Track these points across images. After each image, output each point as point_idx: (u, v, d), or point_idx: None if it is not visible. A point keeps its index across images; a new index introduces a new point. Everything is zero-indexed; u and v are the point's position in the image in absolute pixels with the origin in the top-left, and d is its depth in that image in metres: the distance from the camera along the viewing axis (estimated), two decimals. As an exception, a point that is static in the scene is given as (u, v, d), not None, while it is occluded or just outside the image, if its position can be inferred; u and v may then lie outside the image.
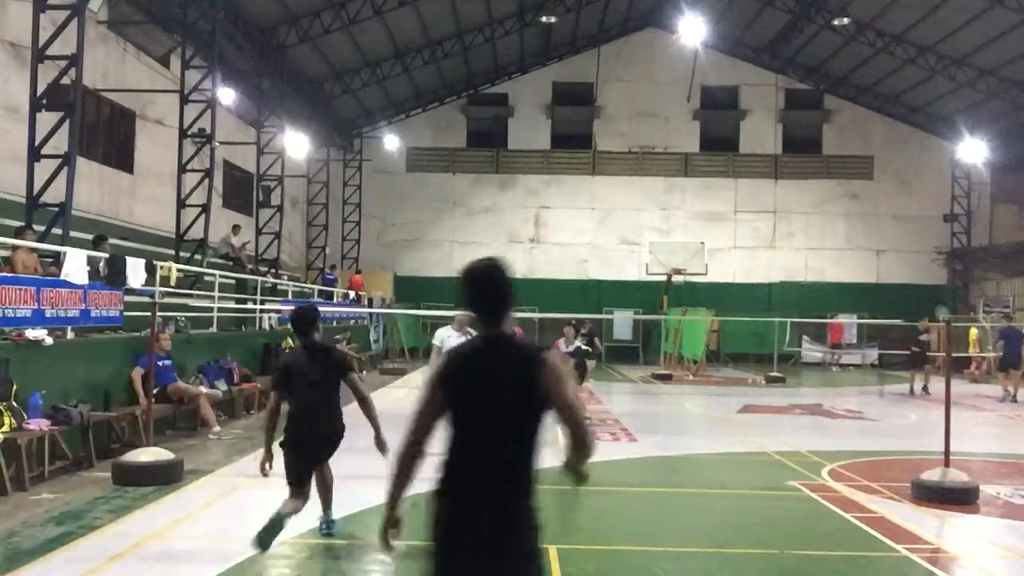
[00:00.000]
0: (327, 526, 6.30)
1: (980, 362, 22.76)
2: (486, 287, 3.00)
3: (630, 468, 9.43)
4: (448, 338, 9.99)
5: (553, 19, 25.52)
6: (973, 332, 21.38)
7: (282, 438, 5.88)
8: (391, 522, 3.05)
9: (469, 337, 10.23)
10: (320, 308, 23.66)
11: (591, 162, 31.03)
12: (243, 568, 5.46)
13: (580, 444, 2.85)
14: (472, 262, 3.05)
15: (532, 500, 2.87)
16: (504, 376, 2.84)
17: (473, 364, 2.93)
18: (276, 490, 8.23)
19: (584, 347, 16.73)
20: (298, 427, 5.88)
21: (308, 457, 5.96)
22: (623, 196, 30.70)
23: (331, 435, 6.04)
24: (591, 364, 18.41)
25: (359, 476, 8.89)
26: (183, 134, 16.23)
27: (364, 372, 20.73)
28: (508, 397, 2.81)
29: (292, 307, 6.36)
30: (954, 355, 22.36)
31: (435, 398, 2.91)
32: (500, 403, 2.81)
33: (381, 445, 5.71)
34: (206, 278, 14.96)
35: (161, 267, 11.76)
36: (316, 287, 25.69)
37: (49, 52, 11.71)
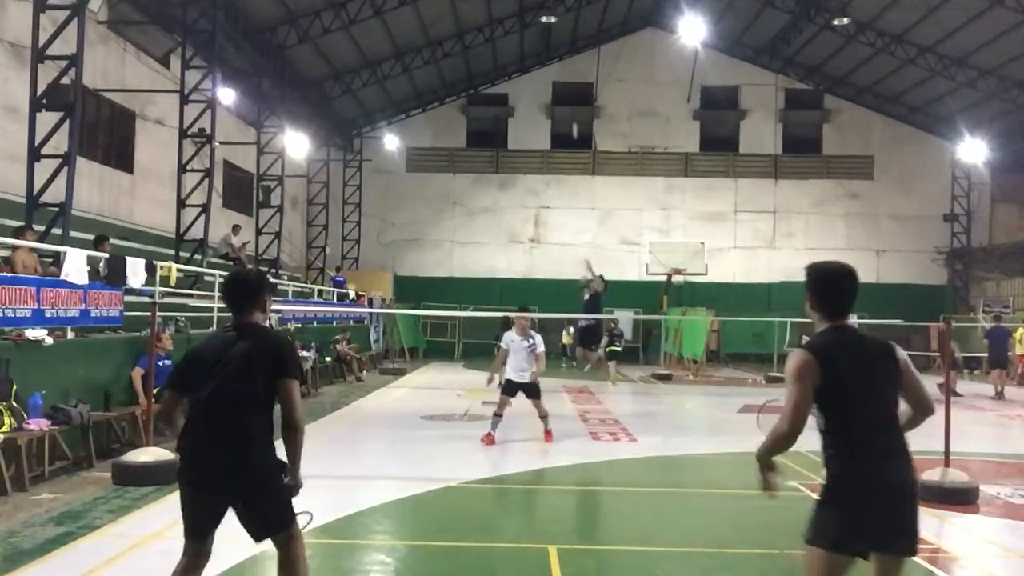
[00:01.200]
0: None
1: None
2: (846, 285, 3.41)
3: (630, 468, 9.43)
4: (513, 341, 10.32)
5: (553, 19, 25.53)
6: (1020, 332, 21.15)
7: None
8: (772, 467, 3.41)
9: (532, 339, 10.48)
10: (319, 308, 23.47)
11: (591, 162, 31.03)
12: (243, 568, 5.46)
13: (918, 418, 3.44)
14: (827, 264, 3.47)
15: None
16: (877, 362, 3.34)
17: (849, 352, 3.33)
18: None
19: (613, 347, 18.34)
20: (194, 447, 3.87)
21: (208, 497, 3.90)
22: (623, 196, 30.71)
23: (239, 467, 3.82)
24: (612, 364, 20.16)
25: (360, 476, 8.90)
26: (183, 134, 16.24)
27: (364, 372, 20.73)
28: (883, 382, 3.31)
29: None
30: (964, 355, 22.64)
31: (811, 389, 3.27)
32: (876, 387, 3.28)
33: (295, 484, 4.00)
34: (206, 278, 14.96)
35: (161, 267, 11.75)
36: (318, 287, 25.70)
37: (49, 52, 11.72)
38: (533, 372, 10.40)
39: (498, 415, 10.42)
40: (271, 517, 3.86)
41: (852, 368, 3.23)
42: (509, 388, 10.50)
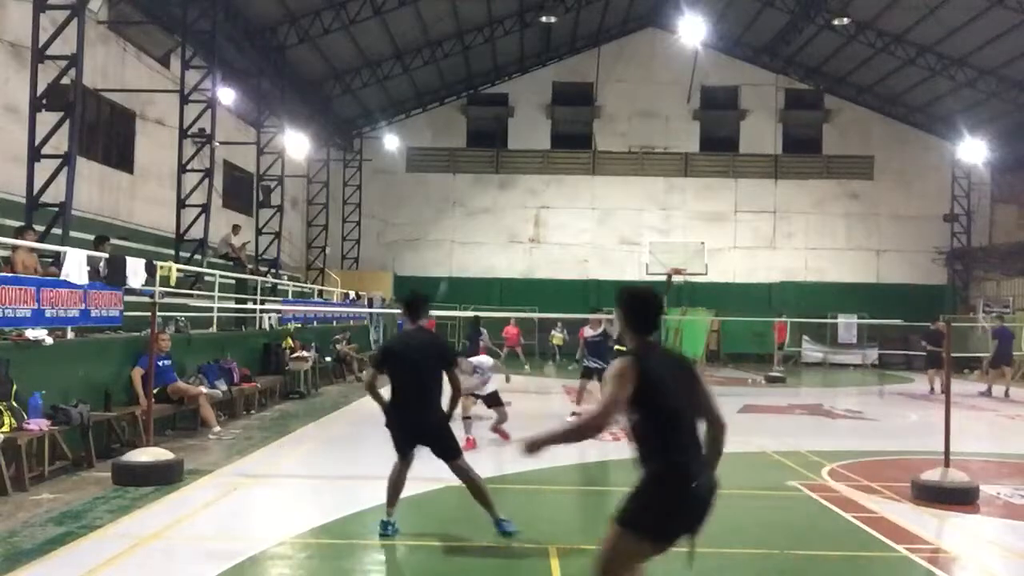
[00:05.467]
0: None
1: None
2: (653, 307, 3.81)
3: (630, 468, 9.41)
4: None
5: (553, 19, 25.53)
6: None
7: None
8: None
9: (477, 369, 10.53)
10: (320, 308, 23.57)
11: (591, 162, 31.03)
12: (243, 568, 5.46)
13: (713, 432, 3.82)
14: (637, 288, 3.86)
15: None
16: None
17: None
18: (276, 489, 8.27)
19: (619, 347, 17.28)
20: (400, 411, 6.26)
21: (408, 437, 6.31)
22: (623, 196, 30.71)
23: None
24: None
25: (360, 476, 8.90)
26: (183, 134, 16.23)
27: (364, 372, 20.72)
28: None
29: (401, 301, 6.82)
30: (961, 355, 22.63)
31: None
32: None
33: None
34: (206, 278, 14.95)
35: (161, 267, 11.75)
36: (316, 287, 25.71)
37: (49, 52, 11.72)
38: (483, 380, 10.41)
39: (467, 417, 10.31)
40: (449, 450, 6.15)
41: (664, 374, 3.54)
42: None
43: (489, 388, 10.51)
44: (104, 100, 16.82)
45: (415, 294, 6.56)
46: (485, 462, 8.40)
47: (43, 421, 7.89)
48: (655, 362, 3.58)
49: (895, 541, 6.40)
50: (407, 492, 7.80)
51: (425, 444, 6.17)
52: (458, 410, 10.89)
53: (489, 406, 10.59)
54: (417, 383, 6.12)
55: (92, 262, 9.77)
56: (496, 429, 10.61)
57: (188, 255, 15.89)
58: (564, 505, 8.05)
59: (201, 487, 7.79)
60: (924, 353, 19.63)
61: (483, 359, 10.70)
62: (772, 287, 30.40)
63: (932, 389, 18.59)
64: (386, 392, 6.32)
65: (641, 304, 3.77)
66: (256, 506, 7.55)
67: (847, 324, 28.30)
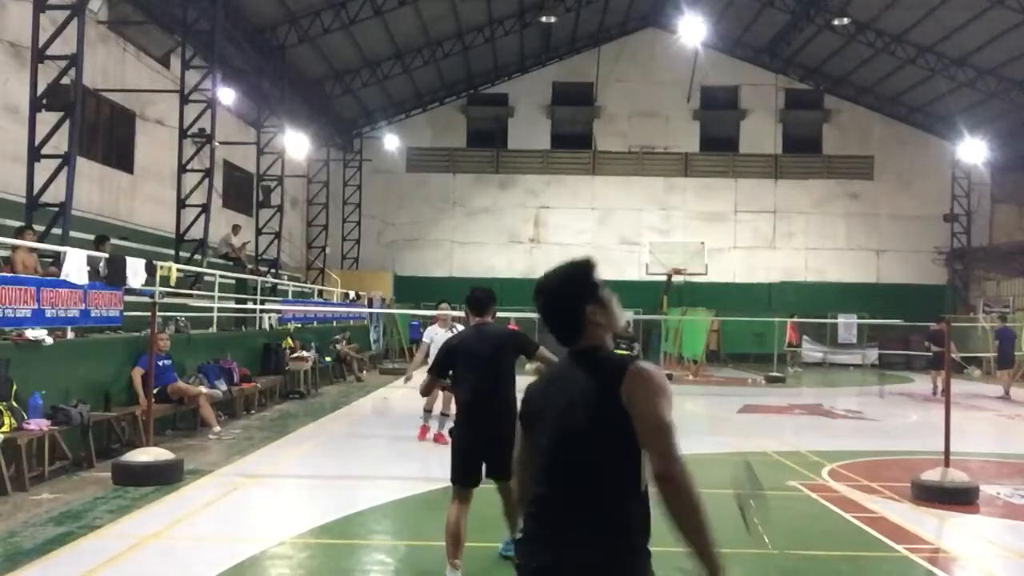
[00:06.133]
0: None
1: None
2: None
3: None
4: (436, 335, 10.40)
5: (553, 19, 25.51)
6: None
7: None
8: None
9: (455, 332, 10.44)
10: (320, 308, 23.61)
11: (591, 162, 31.03)
12: (243, 568, 5.46)
13: None
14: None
15: None
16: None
17: None
18: (275, 490, 8.27)
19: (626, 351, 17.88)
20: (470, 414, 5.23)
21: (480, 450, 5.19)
22: (623, 196, 30.70)
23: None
24: None
25: (360, 476, 8.90)
26: (183, 134, 16.22)
27: (364, 372, 20.73)
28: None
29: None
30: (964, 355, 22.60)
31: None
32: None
33: None
34: (206, 278, 14.95)
35: (161, 267, 11.75)
36: (318, 287, 25.71)
37: (49, 52, 11.70)
38: None
39: (445, 414, 10.24)
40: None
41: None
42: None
43: None
44: (104, 100, 16.82)
45: (479, 290, 5.67)
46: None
47: (43, 421, 7.89)
48: None
49: (895, 541, 6.40)
50: (406, 492, 7.82)
51: (488, 459, 5.15)
52: (439, 406, 10.91)
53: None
54: (492, 384, 5.22)
55: (92, 262, 9.77)
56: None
57: (188, 255, 15.88)
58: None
59: (201, 487, 7.79)
60: (925, 353, 19.53)
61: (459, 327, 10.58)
62: (772, 287, 30.38)
63: (935, 391, 17.98)
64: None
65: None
66: (256, 506, 7.55)
67: (847, 324, 28.29)
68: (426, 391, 5.63)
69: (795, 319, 24.88)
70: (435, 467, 9.23)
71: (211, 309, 14.59)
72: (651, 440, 2.30)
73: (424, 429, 10.88)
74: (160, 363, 10.04)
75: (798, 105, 31.01)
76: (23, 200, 11.45)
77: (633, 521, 2.32)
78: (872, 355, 27.71)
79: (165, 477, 7.78)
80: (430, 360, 10.67)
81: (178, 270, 12.72)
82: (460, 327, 10.30)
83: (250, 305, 16.97)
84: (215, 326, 14.71)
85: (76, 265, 9.08)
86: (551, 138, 31.16)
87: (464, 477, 5.20)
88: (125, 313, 10.32)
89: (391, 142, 28.92)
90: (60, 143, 11.67)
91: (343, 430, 12.00)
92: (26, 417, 7.71)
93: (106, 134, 17.30)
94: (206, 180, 16.53)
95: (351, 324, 23.65)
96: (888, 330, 26.29)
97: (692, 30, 22.08)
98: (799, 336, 26.76)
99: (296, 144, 22.50)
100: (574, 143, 31.10)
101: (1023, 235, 27.92)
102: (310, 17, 21.10)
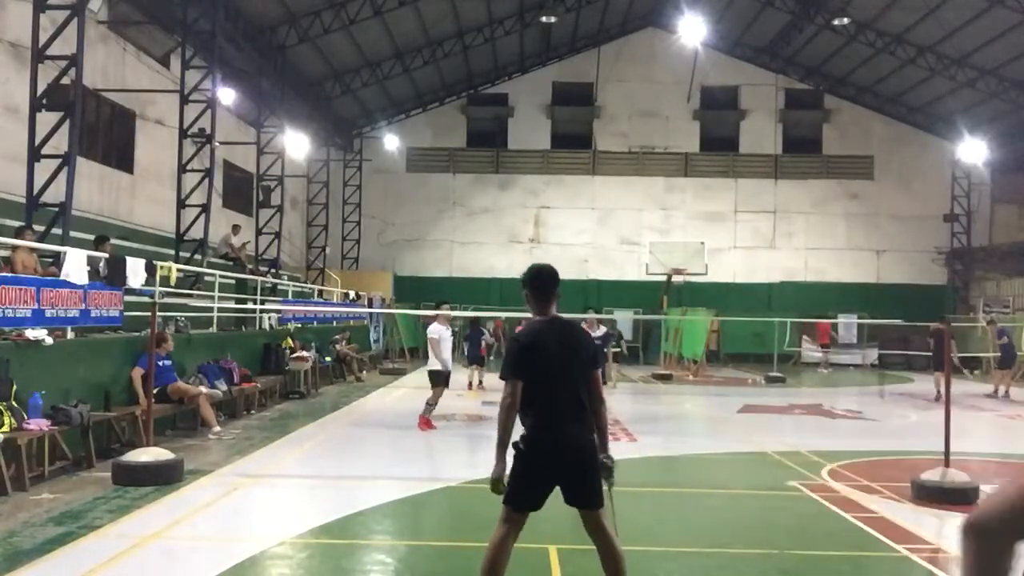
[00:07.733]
0: None
1: None
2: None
3: (630, 468, 9.40)
4: (441, 331, 11.10)
5: (553, 19, 25.53)
6: None
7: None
8: None
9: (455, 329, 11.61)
10: (320, 308, 23.57)
11: (591, 162, 31.03)
12: (243, 568, 5.46)
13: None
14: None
15: None
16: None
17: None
18: (275, 490, 8.27)
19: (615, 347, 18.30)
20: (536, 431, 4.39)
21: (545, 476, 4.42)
22: (623, 196, 30.70)
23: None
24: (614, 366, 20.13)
25: (360, 476, 8.90)
26: (183, 134, 16.23)
27: (364, 372, 20.73)
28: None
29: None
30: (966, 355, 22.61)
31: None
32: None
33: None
34: (206, 278, 14.95)
35: (161, 267, 11.75)
36: (318, 287, 25.72)
37: (49, 52, 11.71)
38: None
39: (431, 404, 11.50)
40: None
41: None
42: (441, 378, 11.57)
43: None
44: (104, 100, 16.82)
45: (541, 267, 4.63)
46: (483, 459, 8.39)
47: (43, 421, 7.89)
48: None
49: (895, 541, 6.40)
50: (407, 492, 7.82)
51: (563, 482, 4.40)
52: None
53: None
54: (567, 392, 4.34)
55: (92, 262, 9.76)
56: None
57: (188, 255, 15.89)
58: (564, 505, 8.04)
59: (201, 487, 7.79)
60: (927, 354, 19.48)
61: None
62: (772, 287, 30.39)
63: (939, 394, 16.82)
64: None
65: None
66: (256, 506, 7.54)
67: (847, 324, 28.29)
68: (511, 407, 4.34)
69: (826, 320, 24.90)
70: (435, 467, 9.24)
71: (211, 309, 14.59)
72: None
73: (425, 421, 11.46)
74: (160, 363, 10.04)
75: (798, 105, 31.01)
76: (23, 200, 11.46)
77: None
78: (872, 355, 27.72)
79: (165, 477, 7.78)
80: (431, 355, 11.43)
81: (178, 270, 12.72)
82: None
83: (250, 305, 16.97)
84: (215, 326, 14.71)
85: (76, 265, 9.08)
86: (551, 138, 31.16)
87: (525, 503, 4.48)
88: (125, 313, 10.32)
89: (391, 142, 28.92)
90: (60, 143, 11.67)
91: (343, 430, 12.00)
92: (26, 417, 7.71)
93: (106, 134, 17.30)
94: (206, 180, 16.53)
95: (351, 324, 23.64)
96: (888, 330, 26.30)
97: (692, 30, 22.07)
98: (829, 337, 26.85)
99: (296, 144, 22.51)
100: (574, 143, 31.11)
101: (1023, 235, 27.91)
102: (310, 17, 21.10)
